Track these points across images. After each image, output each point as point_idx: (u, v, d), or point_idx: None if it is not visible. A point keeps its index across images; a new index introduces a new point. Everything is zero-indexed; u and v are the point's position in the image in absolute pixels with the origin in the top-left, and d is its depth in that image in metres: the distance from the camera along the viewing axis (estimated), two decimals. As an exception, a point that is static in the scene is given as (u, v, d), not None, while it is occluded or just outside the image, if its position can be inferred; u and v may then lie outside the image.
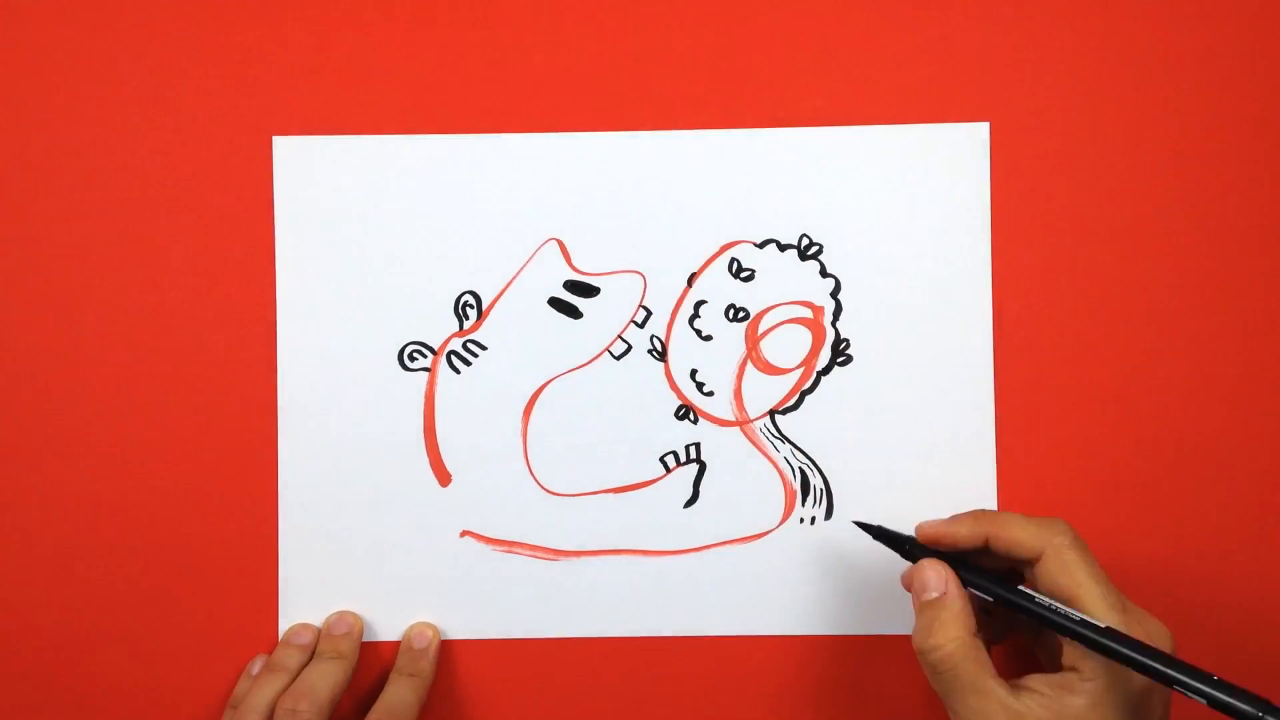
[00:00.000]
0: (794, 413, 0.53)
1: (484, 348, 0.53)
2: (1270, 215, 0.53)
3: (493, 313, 0.53)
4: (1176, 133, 0.53)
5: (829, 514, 0.53)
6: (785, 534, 0.53)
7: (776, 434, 0.53)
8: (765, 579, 0.53)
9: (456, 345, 0.53)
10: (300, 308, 0.53)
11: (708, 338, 0.54)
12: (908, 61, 0.53)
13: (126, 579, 0.53)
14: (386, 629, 0.53)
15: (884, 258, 0.53)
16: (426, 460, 0.53)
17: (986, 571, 0.47)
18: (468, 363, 0.53)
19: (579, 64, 0.53)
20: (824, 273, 0.53)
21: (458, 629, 0.53)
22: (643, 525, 0.53)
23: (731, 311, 0.53)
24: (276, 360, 0.53)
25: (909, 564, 0.47)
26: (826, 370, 0.53)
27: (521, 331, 0.53)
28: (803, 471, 0.53)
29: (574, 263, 0.53)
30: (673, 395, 0.53)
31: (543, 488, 0.53)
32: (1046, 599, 0.44)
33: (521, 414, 0.53)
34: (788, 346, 0.53)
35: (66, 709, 0.53)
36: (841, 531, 0.53)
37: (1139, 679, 0.43)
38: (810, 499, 0.53)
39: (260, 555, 0.53)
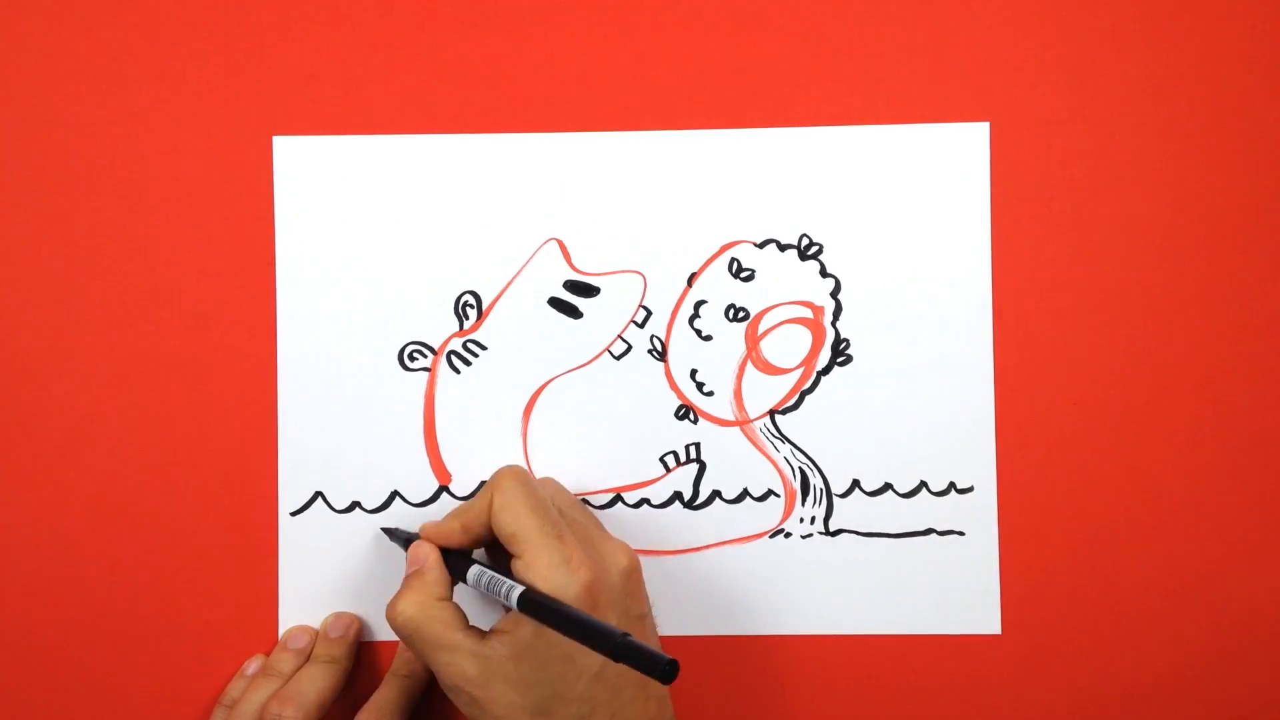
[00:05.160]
0: (794, 413, 0.53)
1: (484, 348, 0.53)
2: (1270, 215, 0.53)
3: (493, 313, 0.53)
4: (1176, 133, 0.53)
5: (829, 514, 0.53)
6: (785, 534, 0.53)
7: (776, 434, 0.53)
8: (765, 579, 0.53)
9: (456, 345, 0.53)
10: (300, 307, 0.53)
11: (708, 338, 0.53)
12: (908, 61, 0.53)
13: (126, 579, 0.53)
14: (386, 629, 0.53)
15: (884, 258, 0.53)
16: (426, 460, 0.53)
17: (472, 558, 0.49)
18: (468, 363, 0.53)
19: (579, 64, 0.53)
20: (824, 273, 0.53)
21: (458, 629, 0.53)
22: (642, 525, 0.53)
23: (731, 311, 0.53)
24: (276, 360, 0.53)
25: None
26: (826, 370, 0.53)
27: (521, 331, 0.53)
28: (803, 471, 0.53)
29: (574, 263, 0.53)
30: (673, 395, 0.53)
31: (543, 488, 0.53)
32: (487, 573, 0.47)
33: (521, 414, 0.53)
34: (788, 346, 0.53)
35: (66, 708, 0.53)
36: (842, 531, 0.53)
37: None
38: (810, 499, 0.53)
39: (260, 555, 0.53)
